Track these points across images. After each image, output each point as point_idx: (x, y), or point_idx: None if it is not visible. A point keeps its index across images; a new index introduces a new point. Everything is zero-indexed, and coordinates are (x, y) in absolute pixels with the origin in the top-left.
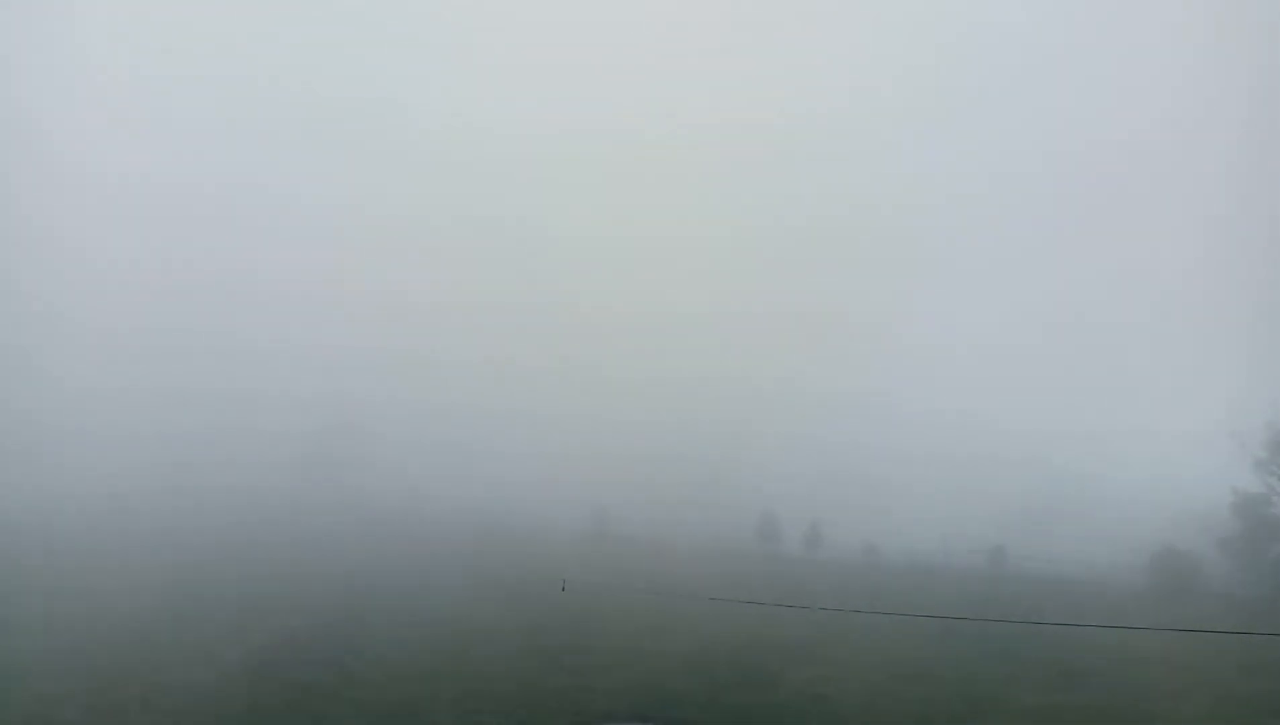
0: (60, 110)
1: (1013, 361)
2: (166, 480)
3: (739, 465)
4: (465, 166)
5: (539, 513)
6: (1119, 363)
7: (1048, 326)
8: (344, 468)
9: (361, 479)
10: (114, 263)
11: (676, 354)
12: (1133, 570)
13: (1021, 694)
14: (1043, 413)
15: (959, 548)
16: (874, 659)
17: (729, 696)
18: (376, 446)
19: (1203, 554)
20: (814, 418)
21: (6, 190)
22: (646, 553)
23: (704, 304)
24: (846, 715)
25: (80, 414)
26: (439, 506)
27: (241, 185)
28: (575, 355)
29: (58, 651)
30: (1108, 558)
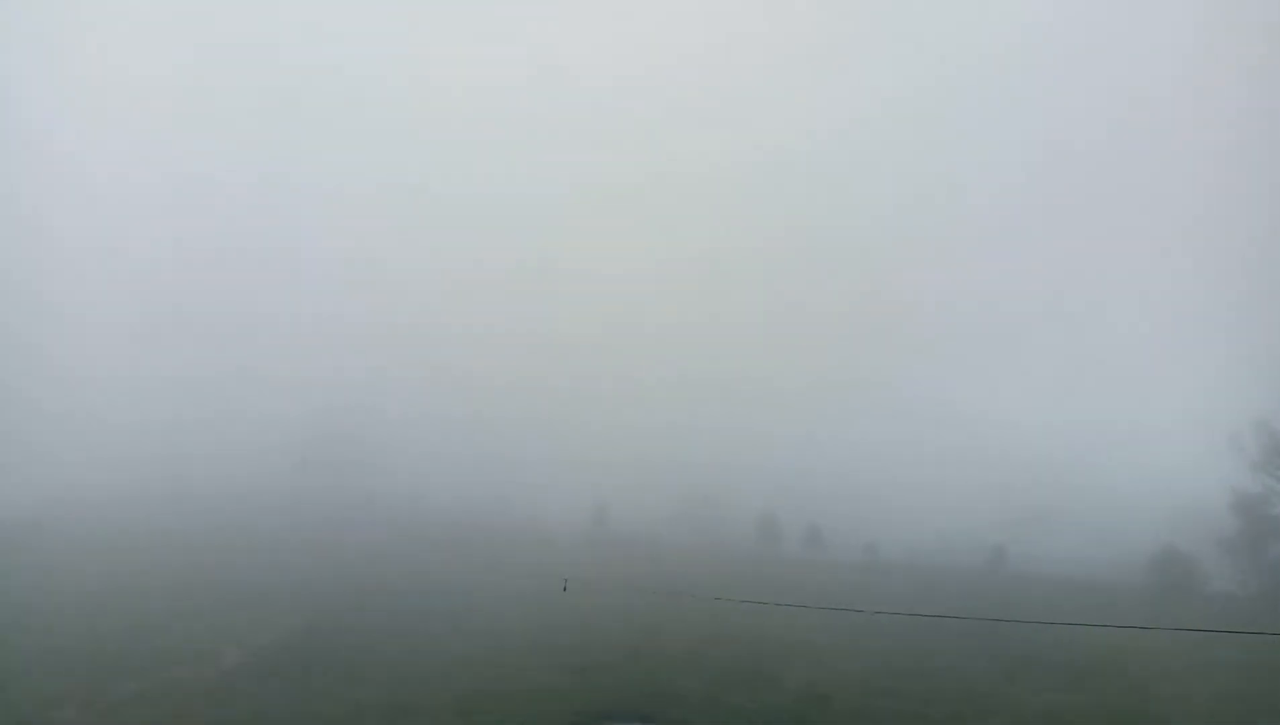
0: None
1: (1012, 363)
2: (172, 484)
3: (739, 466)
4: (467, 174)
5: (540, 513)
6: (1119, 364)
7: (1048, 328)
8: (348, 471)
9: (365, 482)
10: (121, 279)
11: (676, 357)
12: (1133, 570)
13: (1021, 694)
14: (1043, 414)
15: (959, 548)
16: (874, 659)
17: (729, 696)
18: (379, 450)
19: (1203, 554)
20: (813, 420)
21: (9, 185)
22: (646, 553)
23: (703, 308)
24: (846, 715)
25: (84, 420)
26: (441, 508)
27: (264, 221)
28: (576, 360)
29: (58, 651)
30: (1108, 558)
